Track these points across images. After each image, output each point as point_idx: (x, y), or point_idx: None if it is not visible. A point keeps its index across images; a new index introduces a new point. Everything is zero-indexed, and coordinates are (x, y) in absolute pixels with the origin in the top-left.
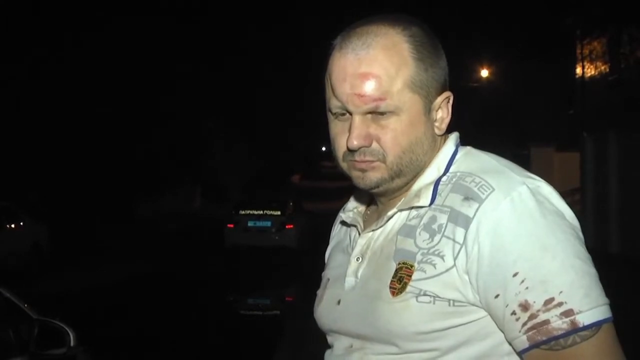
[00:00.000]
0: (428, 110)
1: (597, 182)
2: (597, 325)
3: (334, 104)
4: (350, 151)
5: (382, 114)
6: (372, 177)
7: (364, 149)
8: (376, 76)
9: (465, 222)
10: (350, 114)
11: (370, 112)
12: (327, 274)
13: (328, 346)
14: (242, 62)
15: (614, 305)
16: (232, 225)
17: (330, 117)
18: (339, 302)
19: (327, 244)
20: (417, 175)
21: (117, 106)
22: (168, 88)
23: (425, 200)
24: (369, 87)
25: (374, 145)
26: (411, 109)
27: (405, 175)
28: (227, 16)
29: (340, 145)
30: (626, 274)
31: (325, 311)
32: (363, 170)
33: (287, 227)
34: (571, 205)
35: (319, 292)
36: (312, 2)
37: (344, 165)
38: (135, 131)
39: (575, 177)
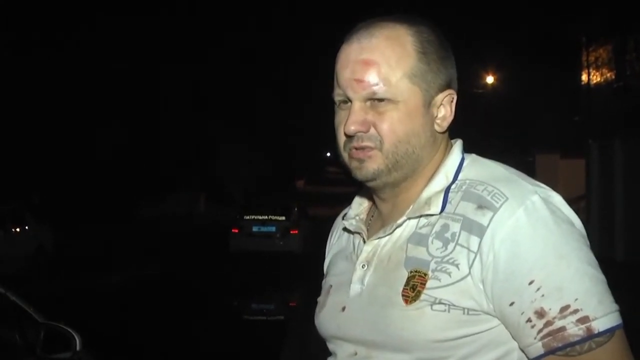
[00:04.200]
0: (428, 104)
1: (602, 189)
2: (611, 331)
3: (336, 92)
4: (349, 138)
5: (380, 100)
6: (369, 167)
7: (362, 134)
8: (376, 63)
9: (479, 230)
10: (351, 101)
11: (369, 99)
12: (329, 281)
13: (330, 353)
14: (247, 67)
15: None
16: (236, 230)
17: (335, 109)
18: (343, 309)
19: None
20: (415, 172)
21: (122, 109)
22: (172, 92)
23: (435, 208)
24: (369, 73)
25: (372, 131)
26: (409, 100)
27: (402, 168)
28: (232, 19)
29: (341, 133)
30: (631, 281)
31: (328, 317)
32: (361, 161)
33: (291, 232)
34: (576, 212)
35: (320, 299)
36: (318, 6)
37: (344, 155)
38: (140, 135)
39: (581, 184)
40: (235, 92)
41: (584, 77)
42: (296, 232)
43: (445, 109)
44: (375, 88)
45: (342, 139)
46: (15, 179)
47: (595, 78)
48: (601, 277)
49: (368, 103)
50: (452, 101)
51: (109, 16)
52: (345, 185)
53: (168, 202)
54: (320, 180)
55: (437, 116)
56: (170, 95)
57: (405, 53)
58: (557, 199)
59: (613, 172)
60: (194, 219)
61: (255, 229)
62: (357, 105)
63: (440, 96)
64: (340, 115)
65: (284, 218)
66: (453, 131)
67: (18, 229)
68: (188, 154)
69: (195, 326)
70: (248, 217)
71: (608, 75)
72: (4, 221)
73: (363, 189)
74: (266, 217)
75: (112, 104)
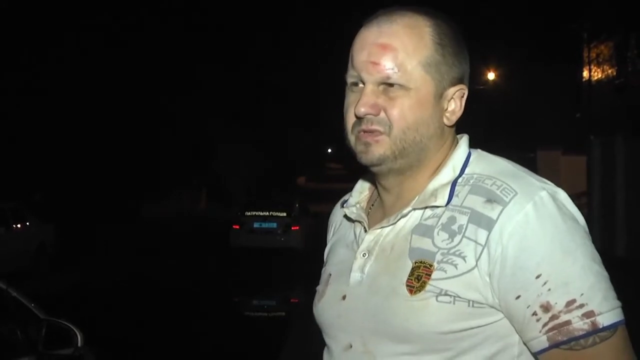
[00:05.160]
0: (439, 95)
1: (603, 186)
2: (614, 327)
3: (350, 74)
4: (358, 119)
5: (392, 85)
6: (375, 152)
7: (371, 117)
8: (393, 48)
9: (488, 224)
10: (364, 83)
11: (382, 84)
12: (328, 269)
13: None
14: (247, 64)
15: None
16: (237, 227)
17: (347, 91)
18: (344, 298)
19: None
20: (420, 162)
21: (123, 107)
22: (173, 90)
23: (442, 200)
24: (385, 57)
25: (382, 115)
26: (421, 88)
27: (408, 156)
28: (232, 19)
29: (350, 115)
30: (631, 277)
31: (328, 306)
32: (367, 145)
33: (292, 228)
34: (578, 208)
35: (319, 287)
36: (318, 5)
37: (351, 138)
38: (141, 133)
39: (582, 180)
40: (235, 91)
41: (586, 74)
42: (297, 228)
43: (455, 103)
44: (389, 72)
45: (350, 120)
46: (17, 177)
47: (597, 75)
48: (605, 273)
49: (381, 87)
50: (462, 96)
51: (110, 15)
52: (346, 182)
53: (169, 201)
54: (321, 177)
55: (446, 109)
56: (171, 94)
57: (422, 42)
58: (563, 195)
59: (614, 168)
60: (194, 217)
61: (256, 225)
62: (369, 87)
63: (452, 90)
64: (350, 97)
65: (285, 214)
66: (458, 126)
67: (19, 226)
68: (188, 152)
69: (196, 322)
70: (249, 214)
71: (609, 71)
72: (6, 219)
73: (364, 176)
74: (267, 213)
75: (113, 102)
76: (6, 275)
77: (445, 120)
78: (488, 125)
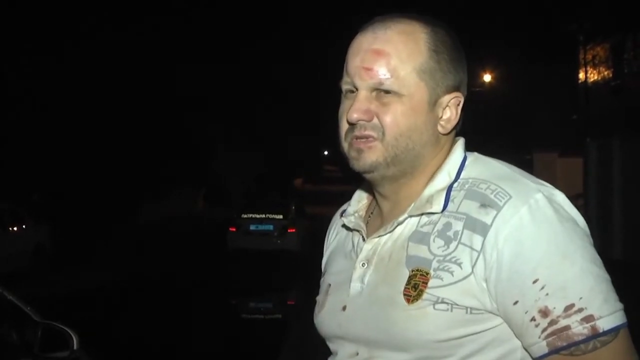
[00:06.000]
0: (433, 102)
1: (600, 188)
2: (615, 331)
3: (344, 80)
4: (352, 126)
5: (385, 92)
6: (367, 158)
7: (364, 122)
8: (387, 54)
9: (482, 229)
10: (357, 89)
11: (375, 89)
12: (327, 279)
13: (330, 352)
14: (246, 66)
15: None
16: (234, 229)
17: (342, 99)
18: (344, 308)
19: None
20: (414, 169)
21: (122, 108)
22: (172, 91)
23: (437, 206)
24: (378, 63)
25: (375, 120)
26: (415, 95)
27: (401, 163)
28: (232, 21)
29: (344, 122)
30: (629, 280)
31: (329, 317)
32: (360, 151)
33: (289, 230)
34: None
35: (318, 298)
36: (317, 8)
37: (345, 145)
38: (140, 133)
39: (579, 182)
40: (235, 92)
41: (582, 76)
42: (294, 230)
43: (450, 111)
44: (382, 78)
45: (344, 127)
46: (15, 178)
47: (593, 76)
48: (605, 275)
49: (374, 93)
50: (458, 104)
51: (111, 16)
52: (343, 184)
53: (168, 201)
54: (317, 179)
55: (441, 117)
56: (171, 95)
57: (417, 48)
58: (561, 197)
59: (611, 170)
60: (194, 217)
61: (252, 227)
62: (362, 93)
63: (447, 97)
64: (345, 104)
65: (281, 217)
66: (454, 127)
67: (16, 228)
68: (188, 153)
69: (193, 325)
70: (245, 216)
71: (606, 73)
72: (3, 220)
73: (363, 185)
74: (264, 215)
75: (112, 103)
76: (4, 276)
77: (440, 129)
78: (485, 127)
